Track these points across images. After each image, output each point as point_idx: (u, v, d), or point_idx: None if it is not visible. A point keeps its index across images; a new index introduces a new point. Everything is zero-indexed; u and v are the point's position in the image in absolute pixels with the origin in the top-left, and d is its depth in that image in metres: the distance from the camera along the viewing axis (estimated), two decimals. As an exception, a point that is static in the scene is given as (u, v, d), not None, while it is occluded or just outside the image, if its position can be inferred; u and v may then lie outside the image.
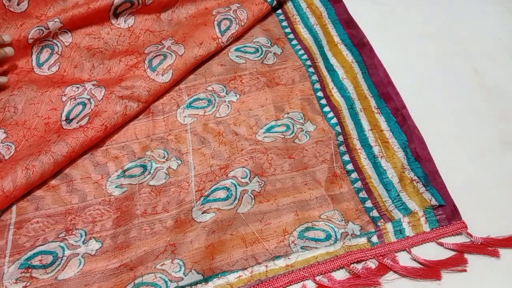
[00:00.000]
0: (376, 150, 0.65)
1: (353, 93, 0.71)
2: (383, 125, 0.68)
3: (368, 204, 0.61)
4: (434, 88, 0.76)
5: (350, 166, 0.64)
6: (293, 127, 0.67)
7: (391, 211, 0.59)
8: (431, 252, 0.59)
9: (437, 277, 0.56)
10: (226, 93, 0.68)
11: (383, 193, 0.61)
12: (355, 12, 0.80)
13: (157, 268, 0.51)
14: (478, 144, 0.70)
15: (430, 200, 0.60)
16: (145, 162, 0.60)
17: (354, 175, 0.63)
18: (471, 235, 0.60)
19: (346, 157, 0.65)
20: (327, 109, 0.70)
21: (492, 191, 0.65)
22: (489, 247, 0.59)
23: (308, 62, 0.74)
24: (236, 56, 0.73)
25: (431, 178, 0.63)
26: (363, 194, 0.62)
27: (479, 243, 0.59)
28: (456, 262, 0.57)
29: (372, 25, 0.79)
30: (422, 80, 0.77)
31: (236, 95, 0.68)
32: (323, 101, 0.70)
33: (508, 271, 0.58)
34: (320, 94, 0.71)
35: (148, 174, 0.59)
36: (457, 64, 0.80)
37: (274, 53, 0.75)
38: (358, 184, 0.63)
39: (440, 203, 0.60)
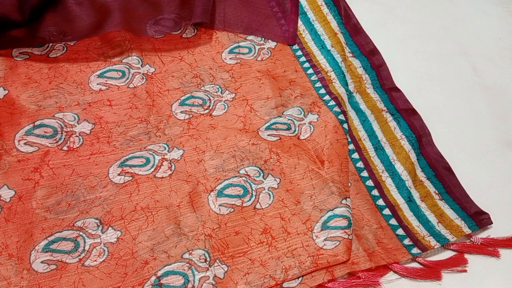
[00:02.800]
0: (411, 189, 0.64)
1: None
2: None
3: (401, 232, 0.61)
4: (434, 88, 0.76)
5: (381, 202, 0.64)
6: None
7: (428, 240, 0.59)
8: (431, 252, 0.59)
9: (437, 277, 0.56)
10: (263, 177, 0.63)
11: (416, 223, 0.61)
12: (355, 12, 0.80)
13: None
14: (478, 144, 0.70)
15: (464, 228, 0.61)
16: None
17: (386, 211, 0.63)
18: (471, 236, 0.60)
19: (375, 192, 0.64)
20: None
21: (492, 191, 0.65)
22: (489, 247, 0.59)
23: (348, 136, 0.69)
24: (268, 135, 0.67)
25: (464, 205, 0.63)
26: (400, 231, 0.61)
27: (479, 243, 0.60)
28: (456, 262, 0.58)
29: (372, 25, 0.79)
30: (422, 80, 0.77)
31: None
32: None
33: (508, 271, 0.58)
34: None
35: None
36: (457, 64, 0.80)
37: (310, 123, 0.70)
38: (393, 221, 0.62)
39: (474, 229, 0.61)
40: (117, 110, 0.65)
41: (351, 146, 0.68)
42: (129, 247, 0.54)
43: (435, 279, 0.56)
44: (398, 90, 0.72)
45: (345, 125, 0.67)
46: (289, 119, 0.68)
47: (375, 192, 0.64)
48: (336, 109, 0.69)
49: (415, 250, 0.58)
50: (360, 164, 0.66)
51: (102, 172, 0.58)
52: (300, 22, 0.80)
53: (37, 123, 0.61)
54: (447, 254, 0.59)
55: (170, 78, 0.69)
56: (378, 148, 0.67)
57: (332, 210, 0.59)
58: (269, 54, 0.75)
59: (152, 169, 0.60)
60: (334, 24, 0.78)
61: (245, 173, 0.61)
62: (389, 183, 0.64)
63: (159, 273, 0.52)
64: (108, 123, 0.63)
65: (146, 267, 0.52)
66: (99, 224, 0.55)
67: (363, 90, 0.73)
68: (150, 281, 0.52)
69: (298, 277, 0.54)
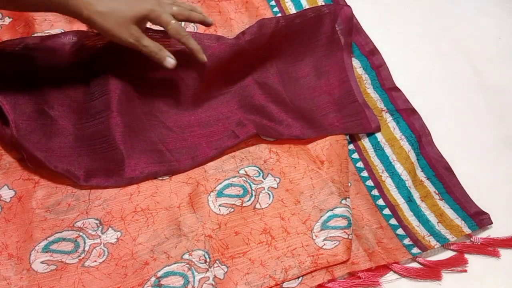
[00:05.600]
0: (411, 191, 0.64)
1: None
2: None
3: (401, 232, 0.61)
4: (434, 88, 0.76)
5: (381, 202, 0.64)
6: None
7: (428, 240, 0.59)
8: (431, 252, 0.59)
9: (437, 277, 0.56)
10: (263, 177, 0.63)
11: (416, 223, 0.61)
12: (355, 12, 0.80)
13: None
14: (478, 144, 0.70)
15: (464, 228, 0.60)
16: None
17: (386, 211, 0.63)
18: (471, 236, 0.60)
19: (375, 192, 0.64)
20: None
21: (492, 191, 0.65)
22: (489, 247, 0.59)
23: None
24: None
25: (464, 205, 0.63)
26: (400, 231, 0.61)
27: (479, 243, 0.60)
28: (456, 262, 0.58)
29: (372, 25, 0.79)
30: (422, 80, 0.77)
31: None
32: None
33: (508, 271, 0.58)
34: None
35: None
36: (457, 64, 0.80)
37: None
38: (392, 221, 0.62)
39: (474, 229, 0.61)
40: None
41: (351, 146, 0.68)
42: (129, 247, 0.54)
43: (435, 279, 0.56)
44: (398, 90, 0.72)
45: None
46: None
47: (375, 192, 0.64)
48: None
49: (415, 250, 0.58)
50: (360, 164, 0.66)
51: None
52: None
53: None
54: (447, 254, 0.59)
55: None
56: (378, 149, 0.67)
57: (332, 210, 0.59)
58: None
59: None
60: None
61: (245, 173, 0.61)
62: (389, 183, 0.64)
63: (159, 274, 0.52)
64: None
65: (146, 268, 0.52)
66: (99, 224, 0.55)
67: (363, 90, 0.73)
68: (150, 281, 0.52)
69: (298, 277, 0.54)
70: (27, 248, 0.52)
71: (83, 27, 0.70)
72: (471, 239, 0.60)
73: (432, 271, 0.57)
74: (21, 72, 0.58)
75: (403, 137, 0.67)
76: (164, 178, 0.60)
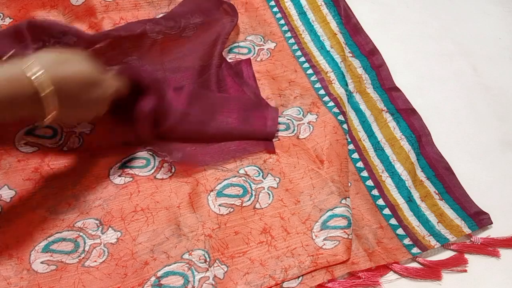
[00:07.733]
0: (412, 191, 0.64)
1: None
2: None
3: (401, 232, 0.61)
4: (434, 88, 0.76)
5: (381, 202, 0.63)
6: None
7: (428, 240, 0.59)
8: (431, 252, 0.59)
9: (438, 277, 0.56)
10: (263, 177, 0.62)
11: (415, 223, 0.61)
12: (355, 12, 0.81)
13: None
14: (478, 144, 0.70)
15: (464, 228, 0.61)
16: None
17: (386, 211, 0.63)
18: (471, 236, 0.60)
19: (375, 192, 0.64)
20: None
21: (492, 191, 0.65)
22: (489, 247, 0.59)
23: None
24: None
25: (464, 205, 0.63)
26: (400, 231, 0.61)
27: (479, 243, 0.60)
28: (457, 262, 0.58)
29: (372, 25, 0.79)
30: (422, 80, 0.77)
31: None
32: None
33: (508, 271, 0.58)
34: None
35: None
36: (457, 64, 0.80)
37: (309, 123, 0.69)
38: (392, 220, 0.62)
39: (474, 229, 0.61)
40: None
41: (351, 146, 0.68)
42: (129, 247, 0.54)
43: (435, 279, 0.56)
44: (398, 90, 0.72)
45: (345, 126, 0.67)
46: (288, 119, 0.68)
47: (375, 192, 0.64)
48: (335, 110, 0.68)
49: (415, 250, 0.58)
50: (360, 164, 0.66)
51: (102, 173, 0.58)
52: (299, 23, 0.80)
53: None
54: (447, 254, 0.59)
55: None
56: (378, 149, 0.67)
57: (332, 209, 0.59)
58: (269, 55, 0.75)
59: (153, 171, 0.60)
60: (333, 24, 0.78)
61: (245, 172, 0.61)
62: (389, 183, 0.64)
63: (159, 274, 0.52)
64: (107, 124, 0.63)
65: (146, 268, 0.52)
66: (99, 224, 0.55)
67: (363, 90, 0.73)
68: (150, 281, 0.52)
69: (298, 277, 0.54)
70: (27, 248, 0.52)
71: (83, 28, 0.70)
72: (471, 239, 0.60)
73: (432, 271, 0.57)
74: None
75: (403, 137, 0.67)
76: (164, 177, 0.60)
